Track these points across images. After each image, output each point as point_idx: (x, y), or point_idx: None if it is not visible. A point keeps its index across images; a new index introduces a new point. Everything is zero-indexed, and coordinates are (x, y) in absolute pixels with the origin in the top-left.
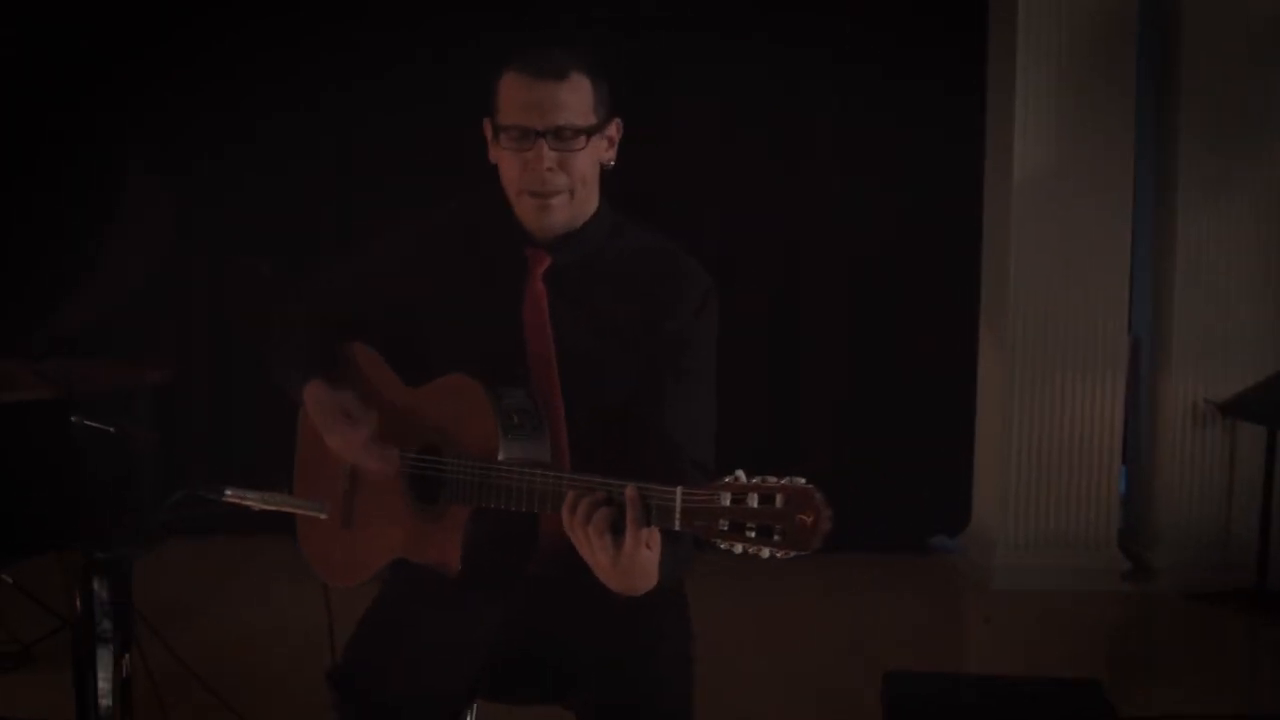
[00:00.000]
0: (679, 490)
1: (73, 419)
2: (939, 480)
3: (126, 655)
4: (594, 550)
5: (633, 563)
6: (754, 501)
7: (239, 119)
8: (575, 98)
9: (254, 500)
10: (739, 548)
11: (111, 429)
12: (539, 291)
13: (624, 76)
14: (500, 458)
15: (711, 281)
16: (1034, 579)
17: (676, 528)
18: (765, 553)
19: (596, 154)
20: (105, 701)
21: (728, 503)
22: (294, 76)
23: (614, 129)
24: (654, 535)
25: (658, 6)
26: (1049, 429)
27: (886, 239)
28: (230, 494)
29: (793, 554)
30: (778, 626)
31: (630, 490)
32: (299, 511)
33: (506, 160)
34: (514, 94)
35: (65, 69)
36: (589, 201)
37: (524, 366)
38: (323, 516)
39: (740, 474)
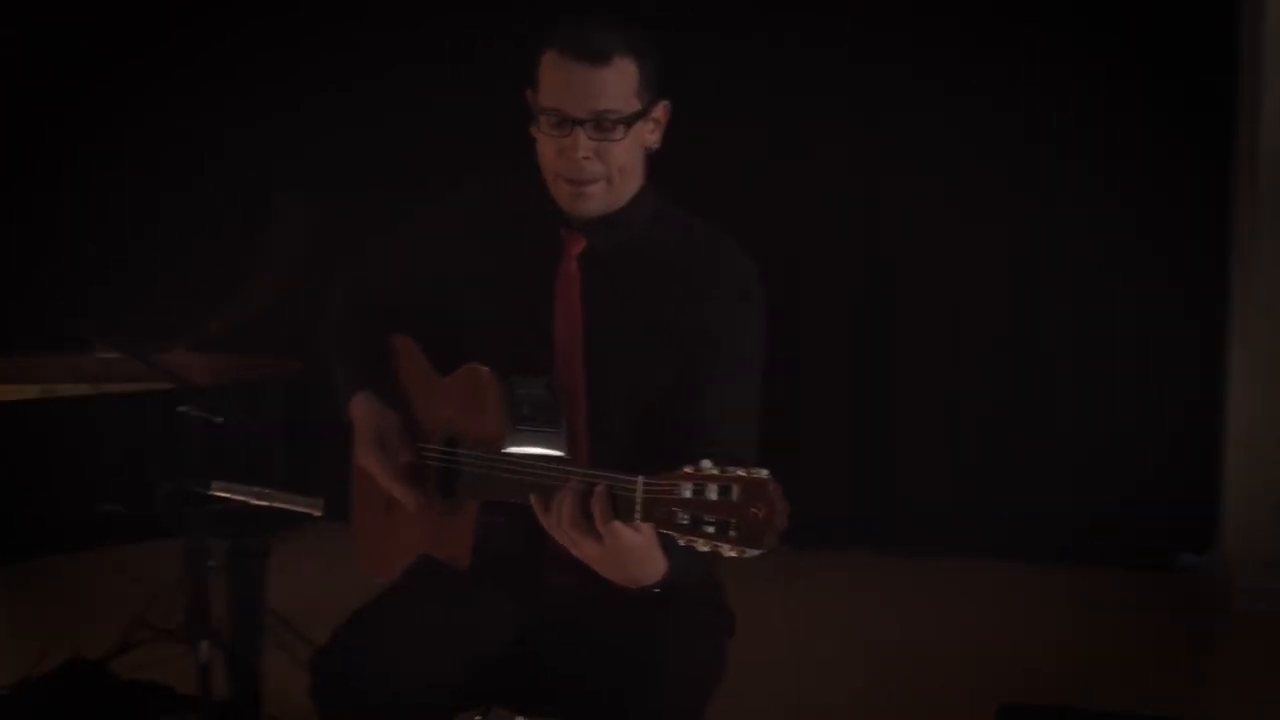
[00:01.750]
0: (640, 480)
1: (180, 409)
2: (1182, 493)
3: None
4: (574, 545)
5: (619, 553)
6: (713, 493)
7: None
8: (617, 83)
9: (244, 495)
10: (701, 544)
11: (219, 419)
12: (572, 274)
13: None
14: (505, 450)
15: (755, 269)
16: None
17: (637, 519)
18: (727, 551)
19: (639, 139)
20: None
21: (688, 494)
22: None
23: (660, 111)
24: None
25: None
26: None
27: (1120, 236)
28: (218, 487)
29: (749, 553)
30: (980, 638)
31: (599, 485)
32: (293, 508)
33: (543, 142)
34: (553, 76)
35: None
36: (629, 186)
37: (549, 354)
38: (317, 514)
39: (706, 463)
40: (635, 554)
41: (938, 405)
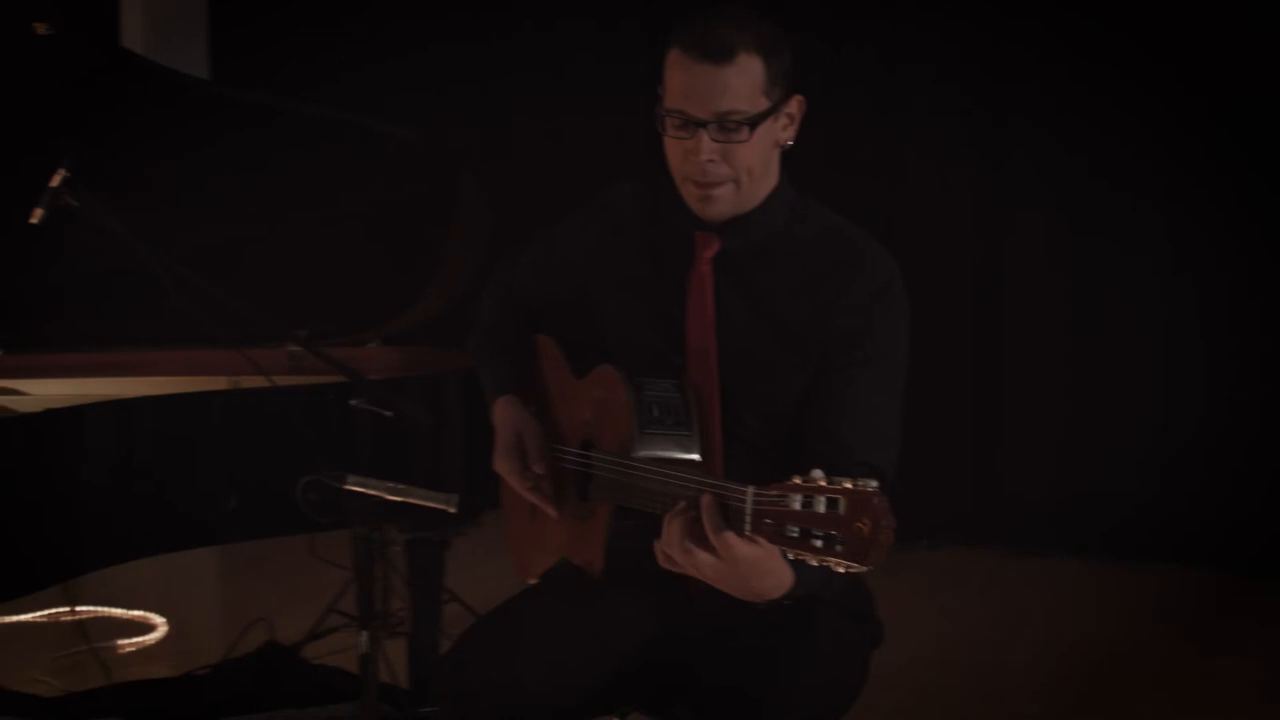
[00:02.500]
0: (749, 491)
1: (352, 403)
2: None
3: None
4: (687, 567)
5: (735, 565)
6: (821, 505)
7: None
8: (742, 82)
9: (377, 490)
10: (811, 559)
11: (389, 413)
12: (705, 276)
13: None
14: (635, 454)
15: (896, 269)
16: None
17: (747, 531)
18: (836, 566)
19: (770, 138)
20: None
21: (797, 506)
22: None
23: (794, 106)
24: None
25: None
26: None
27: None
28: (352, 482)
29: (856, 568)
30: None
31: (706, 496)
32: (426, 504)
33: (670, 145)
34: (675, 76)
35: None
36: (761, 186)
37: (681, 356)
38: (451, 510)
39: (817, 473)
40: (754, 567)
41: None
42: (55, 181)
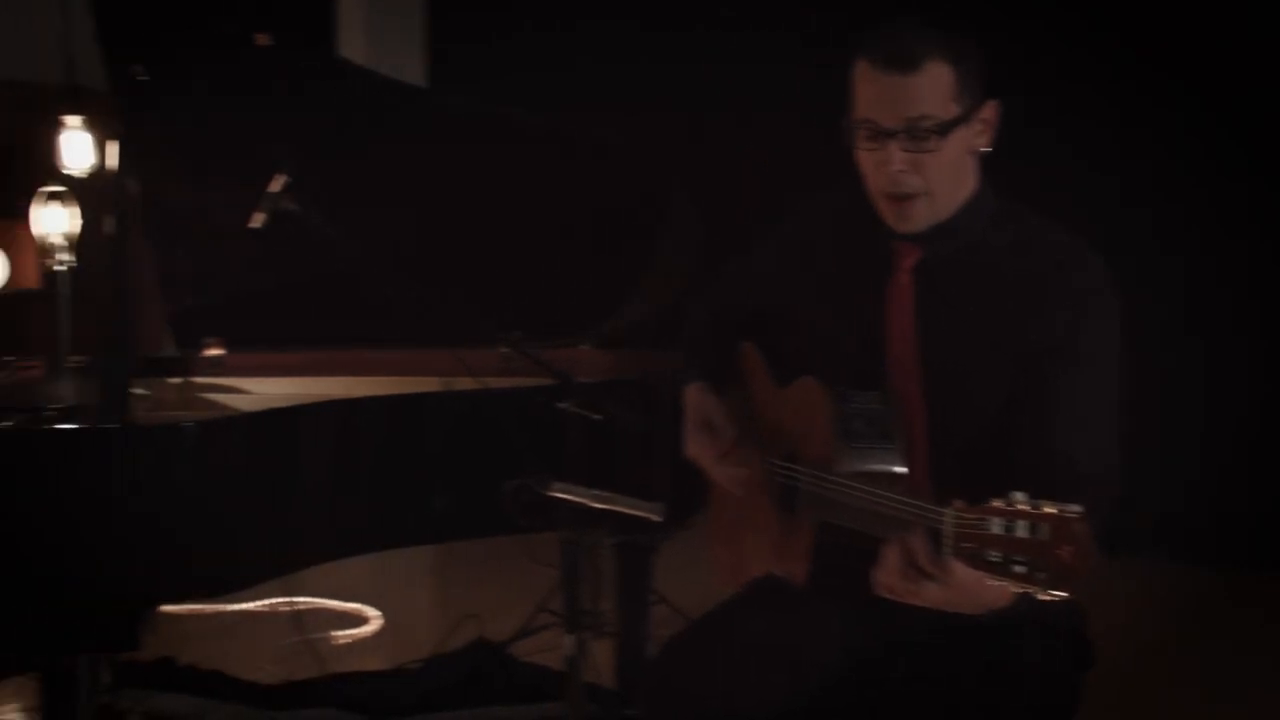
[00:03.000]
0: (949, 513)
1: (561, 405)
2: None
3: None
4: (906, 595)
5: (954, 591)
6: (1023, 530)
7: None
8: (931, 90)
9: (583, 497)
10: (1012, 587)
11: (598, 416)
12: (904, 286)
13: None
14: (838, 468)
15: (1108, 275)
16: None
17: (949, 554)
18: (1038, 594)
19: (962, 145)
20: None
21: (998, 530)
22: None
23: (989, 112)
24: None
25: None
26: None
27: None
28: (558, 488)
29: (1060, 596)
30: None
31: (915, 527)
32: (632, 511)
33: (861, 158)
34: (863, 86)
35: None
36: (956, 194)
37: (883, 368)
38: (656, 519)
39: (1018, 495)
40: (970, 589)
41: None
42: (275, 187)
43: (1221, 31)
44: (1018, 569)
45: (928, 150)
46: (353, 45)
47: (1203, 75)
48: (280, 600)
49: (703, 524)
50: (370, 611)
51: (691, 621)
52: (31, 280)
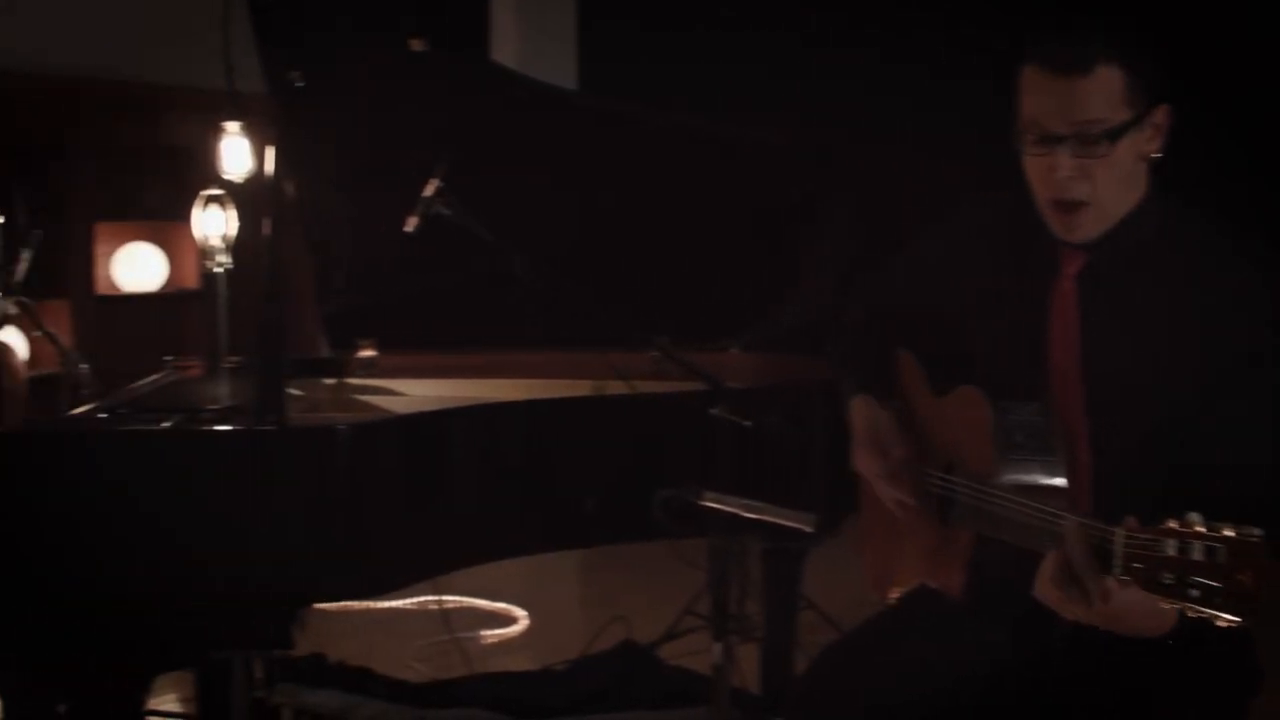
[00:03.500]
0: (1120, 531)
1: (712, 411)
2: None
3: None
4: (1063, 610)
5: (1113, 610)
6: (1198, 553)
7: None
8: (1101, 94)
9: (734, 507)
10: (1187, 611)
11: (748, 422)
12: (1069, 294)
13: None
14: (997, 480)
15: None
16: None
17: (1117, 574)
18: (1219, 621)
19: (1133, 151)
20: None
21: (1172, 552)
22: None
23: (1160, 116)
24: None
25: None
26: None
27: None
28: (709, 498)
29: (1237, 623)
30: None
31: (1078, 539)
32: (784, 522)
33: (1029, 162)
34: (1031, 90)
35: None
36: (1125, 201)
37: (1044, 378)
38: (808, 529)
39: (1194, 516)
40: (1132, 610)
41: None
42: (429, 190)
43: None
44: (1193, 593)
45: (1098, 156)
46: (505, 49)
47: None
48: (429, 598)
49: (852, 528)
50: (518, 611)
51: (845, 632)
52: (191, 280)
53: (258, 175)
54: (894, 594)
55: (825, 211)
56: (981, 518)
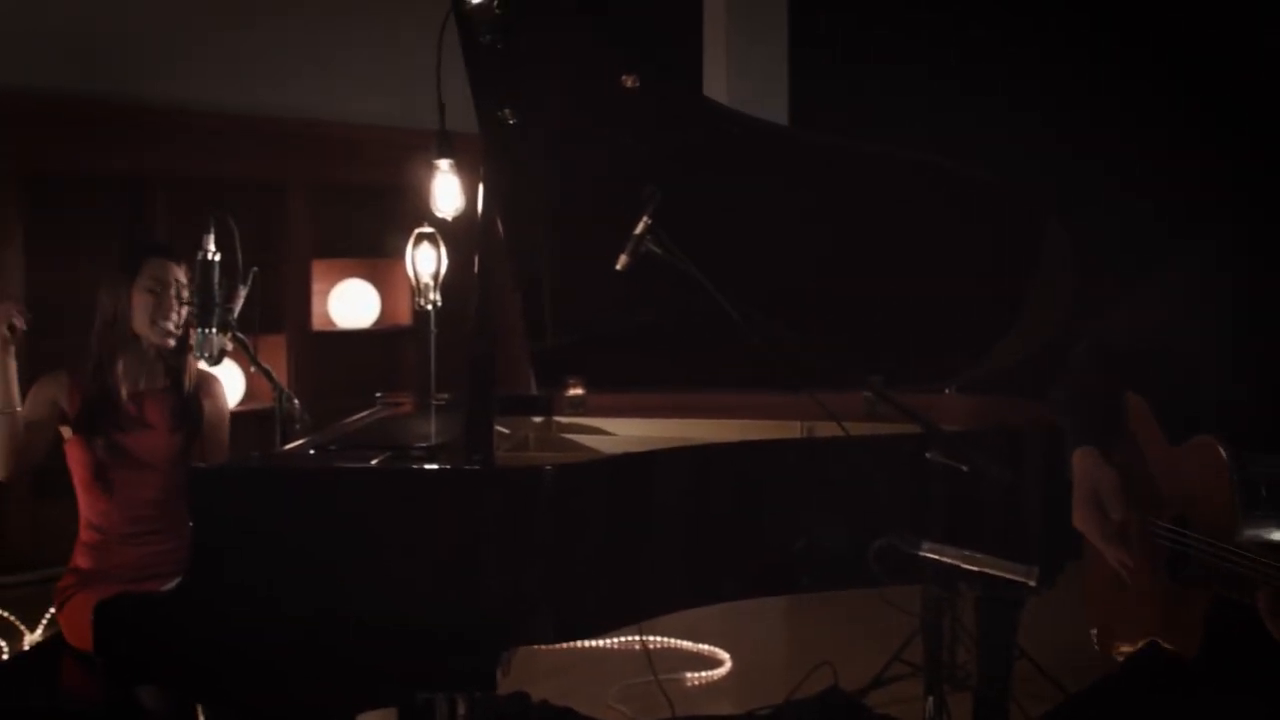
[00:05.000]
0: None
1: (928, 455)
2: None
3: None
4: None
5: None
6: None
7: None
8: None
9: (954, 559)
10: None
11: (966, 468)
12: None
13: None
14: (1237, 537)
15: None
16: None
17: None
18: None
19: None
20: None
21: None
22: None
23: None
24: None
25: None
26: None
27: None
28: (927, 549)
29: None
30: None
31: None
32: (1004, 574)
33: None
34: None
35: None
36: None
37: None
38: (1030, 583)
39: None
40: None
41: None
42: (639, 228)
43: None
44: None
45: None
46: (717, 83)
47: None
48: (633, 638)
49: (1071, 574)
50: (721, 654)
51: (1070, 695)
52: (404, 317)
53: (468, 213)
54: (1122, 652)
55: (1044, 246)
56: (1219, 575)
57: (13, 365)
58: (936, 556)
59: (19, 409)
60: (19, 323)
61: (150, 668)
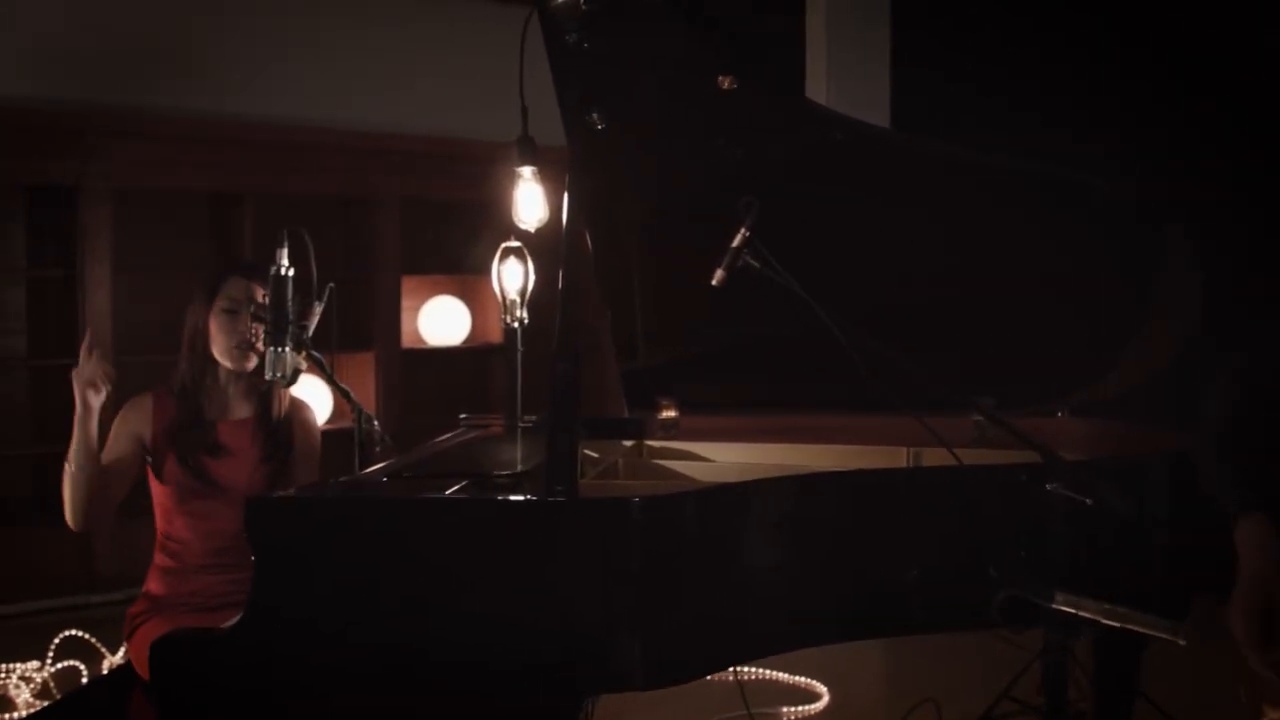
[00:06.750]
0: None
1: (1049, 486)
2: None
3: None
4: None
5: None
6: None
7: None
8: None
9: (1093, 613)
10: None
11: (1089, 500)
12: None
13: None
14: None
15: None
16: None
17: None
18: None
19: None
20: None
21: None
22: None
23: None
24: None
25: None
26: None
27: None
28: (1061, 601)
29: None
30: None
31: None
32: (1151, 632)
33: None
34: None
35: None
36: None
37: None
38: (1181, 642)
39: None
40: None
41: None
42: (737, 241)
43: None
44: None
45: None
46: (816, 82)
47: None
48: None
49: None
50: (819, 687)
51: None
52: (495, 335)
53: (554, 225)
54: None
55: (1163, 262)
56: None
57: (94, 424)
58: (1074, 610)
59: (100, 462)
60: (105, 385)
61: (208, 710)
